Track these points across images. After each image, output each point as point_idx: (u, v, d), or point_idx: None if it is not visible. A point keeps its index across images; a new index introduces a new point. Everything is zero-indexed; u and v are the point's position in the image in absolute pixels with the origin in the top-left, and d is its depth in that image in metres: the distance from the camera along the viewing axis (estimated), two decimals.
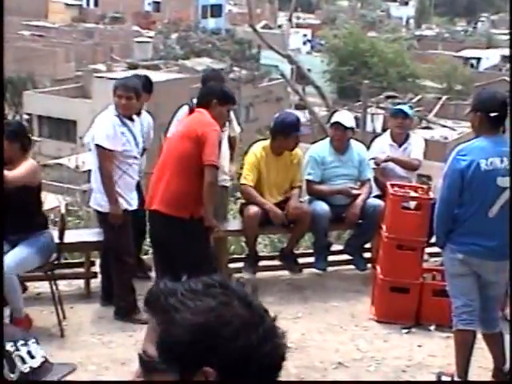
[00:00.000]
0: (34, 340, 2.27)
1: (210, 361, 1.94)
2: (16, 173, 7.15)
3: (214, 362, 1.94)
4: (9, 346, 2.20)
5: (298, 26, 72.52)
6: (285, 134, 8.67)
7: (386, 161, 9.05)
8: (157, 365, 1.97)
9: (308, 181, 8.97)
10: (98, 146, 7.74)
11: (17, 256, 7.34)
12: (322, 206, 8.80)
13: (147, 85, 8.79)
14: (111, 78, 34.25)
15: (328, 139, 9.14)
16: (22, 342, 2.25)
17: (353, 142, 9.19)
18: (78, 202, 14.02)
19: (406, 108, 9.44)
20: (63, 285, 8.54)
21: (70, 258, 9.05)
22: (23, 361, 2.19)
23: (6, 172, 7.05)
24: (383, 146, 9.30)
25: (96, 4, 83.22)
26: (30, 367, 2.19)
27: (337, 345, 7.52)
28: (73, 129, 42.85)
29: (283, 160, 8.74)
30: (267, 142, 8.84)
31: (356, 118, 32.64)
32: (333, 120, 9.11)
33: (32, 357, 2.16)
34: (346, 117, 9.20)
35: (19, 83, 47.57)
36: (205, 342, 1.94)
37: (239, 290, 2.04)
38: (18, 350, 2.22)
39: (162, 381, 1.94)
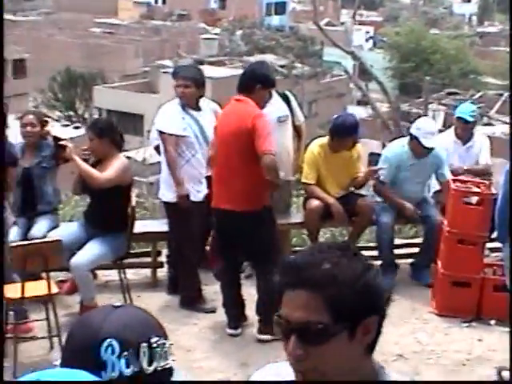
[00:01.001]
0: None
1: (371, 312, 2.17)
2: (107, 175, 7.32)
3: (374, 312, 2.18)
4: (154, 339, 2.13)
5: (361, 23, 72.10)
6: (342, 136, 8.60)
7: (461, 174, 8.89)
8: (331, 329, 2.11)
9: (378, 179, 8.86)
10: (159, 131, 7.83)
11: (90, 253, 7.48)
12: (387, 219, 8.78)
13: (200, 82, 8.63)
14: None
15: (406, 142, 8.84)
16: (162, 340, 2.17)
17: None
18: (144, 194, 14.12)
19: (467, 115, 9.25)
20: (131, 273, 8.61)
21: (137, 247, 9.10)
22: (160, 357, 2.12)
23: (98, 174, 7.26)
24: (447, 143, 9.19)
25: (164, 2, 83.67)
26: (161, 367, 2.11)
27: (397, 337, 7.46)
28: (140, 122, 43.14)
29: (342, 156, 8.68)
30: (325, 140, 8.75)
31: (417, 115, 32.48)
32: (417, 135, 8.59)
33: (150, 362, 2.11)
34: (432, 139, 8.72)
35: (90, 78, 48.10)
36: (367, 297, 2.14)
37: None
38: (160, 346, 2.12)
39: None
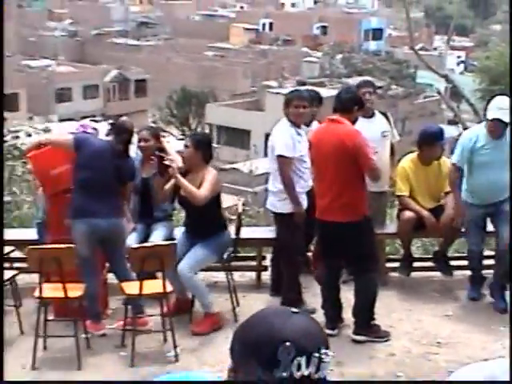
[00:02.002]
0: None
1: None
2: (206, 193, 7.23)
3: None
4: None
5: (453, 48, 71.31)
6: (429, 142, 8.50)
7: None
8: None
9: (453, 164, 8.26)
10: (279, 156, 7.74)
11: (193, 258, 7.46)
12: (476, 240, 8.34)
13: (317, 99, 8.74)
14: (282, 94, 34.48)
15: (483, 125, 8.13)
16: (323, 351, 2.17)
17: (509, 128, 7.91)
18: (248, 203, 14.14)
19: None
20: (237, 275, 8.62)
21: (242, 251, 9.11)
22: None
23: (198, 193, 7.18)
24: None
25: (270, 28, 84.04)
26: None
27: (483, 343, 7.29)
28: (247, 137, 43.42)
29: (432, 169, 8.53)
30: (414, 155, 8.66)
31: None
32: (492, 115, 7.76)
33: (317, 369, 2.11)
34: (505, 112, 7.75)
35: (202, 97, 48.57)
36: None
37: None
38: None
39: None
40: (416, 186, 8.61)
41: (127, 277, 7.32)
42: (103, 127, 8.21)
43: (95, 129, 8.31)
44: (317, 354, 2.05)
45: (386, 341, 7.44)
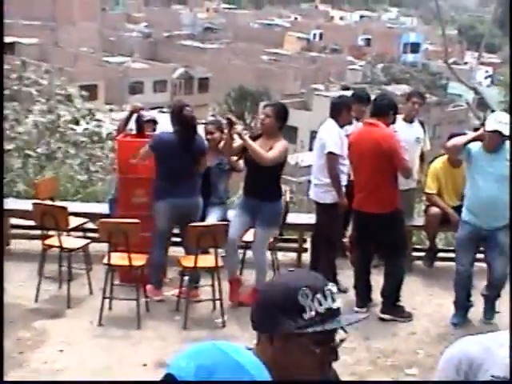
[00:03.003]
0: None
1: None
2: (273, 156, 6.95)
3: None
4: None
5: (482, 63, 70.44)
6: None
7: None
8: None
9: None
10: (330, 152, 7.71)
11: (260, 239, 7.34)
12: (465, 261, 7.21)
13: (366, 99, 8.58)
14: (327, 96, 34.37)
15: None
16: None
17: (507, 143, 6.89)
18: (293, 191, 14.13)
19: None
20: (280, 255, 8.60)
21: (286, 234, 9.09)
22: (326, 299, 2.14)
23: (266, 154, 6.89)
24: None
25: (320, 38, 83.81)
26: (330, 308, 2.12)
27: (495, 328, 7.20)
28: (294, 134, 43.24)
29: (459, 171, 8.34)
30: (445, 157, 8.57)
31: None
32: (491, 127, 6.74)
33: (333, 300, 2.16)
34: (490, 120, 6.92)
35: (257, 95, 48.50)
36: None
37: None
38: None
39: None
40: (444, 185, 8.56)
41: (194, 251, 7.33)
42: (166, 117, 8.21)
43: (153, 119, 8.37)
44: (328, 287, 2.11)
45: (409, 321, 7.40)
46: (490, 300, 7.35)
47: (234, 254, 7.51)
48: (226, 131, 7.19)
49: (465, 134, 8.65)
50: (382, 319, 7.40)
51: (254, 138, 7.15)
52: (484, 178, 6.90)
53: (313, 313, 2.06)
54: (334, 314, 2.09)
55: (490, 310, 7.41)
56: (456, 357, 2.46)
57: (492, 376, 2.36)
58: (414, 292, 8.11)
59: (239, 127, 6.94)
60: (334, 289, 2.14)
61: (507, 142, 6.80)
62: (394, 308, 7.49)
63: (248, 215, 7.34)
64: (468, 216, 7.10)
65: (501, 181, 6.80)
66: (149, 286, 7.40)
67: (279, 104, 7.23)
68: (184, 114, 7.40)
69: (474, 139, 6.97)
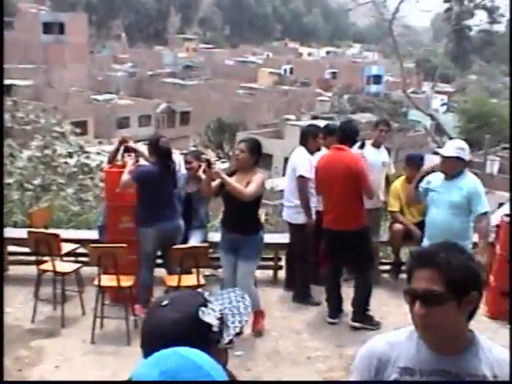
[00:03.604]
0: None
1: (473, 288, 2.35)
2: (252, 191, 6.54)
3: (477, 288, 2.36)
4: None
5: (438, 92, 71.08)
6: (410, 164, 8.50)
7: None
8: (445, 296, 2.30)
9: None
10: (300, 176, 7.75)
11: (244, 275, 6.87)
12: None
13: (332, 131, 8.30)
14: (298, 125, 34.49)
15: None
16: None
17: (468, 174, 6.62)
18: (270, 214, 14.13)
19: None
20: (258, 272, 8.55)
21: (263, 253, 9.07)
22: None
23: (244, 190, 6.50)
24: None
25: (291, 72, 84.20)
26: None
27: None
28: (269, 161, 43.25)
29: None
30: (404, 177, 8.67)
31: (478, 163, 31.76)
32: (447, 153, 6.50)
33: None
34: (447, 147, 6.62)
35: (234, 127, 48.61)
36: (471, 277, 2.35)
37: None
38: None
39: None
40: (404, 203, 8.58)
41: (175, 271, 7.30)
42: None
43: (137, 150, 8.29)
44: (206, 295, 2.14)
45: (378, 329, 7.40)
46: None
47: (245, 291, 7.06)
48: (203, 167, 6.73)
49: (421, 155, 8.76)
50: (354, 327, 7.41)
51: (231, 174, 6.79)
52: (439, 205, 6.59)
53: (217, 322, 2.08)
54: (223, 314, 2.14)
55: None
56: (366, 356, 2.57)
57: (398, 367, 2.43)
58: (381, 303, 8.11)
59: (217, 167, 6.61)
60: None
61: (467, 173, 6.60)
62: (363, 317, 7.49)
63: (231, 253, 6.94)
64: (425, 241, 6.81)
65: (454, 208, 6.51)
66: (137, 306, 7.35)
67: (252, 139, 6.95)
68: (160, 145, 7.44)
69: (421, 178, 6.89)
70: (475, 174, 7.99)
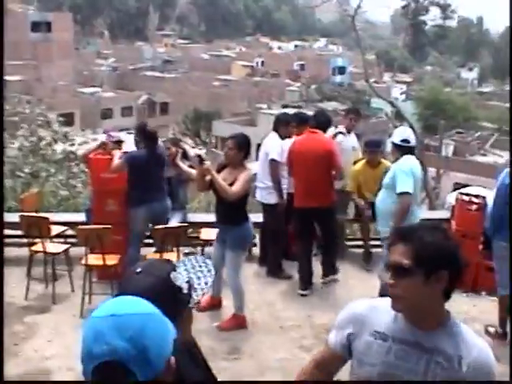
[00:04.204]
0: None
1: (443, 267, 2.28)
2: (237, 191, 6.19)
3: (448, 268, 2.29)
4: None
5: (397, 81, 71.31)
6: (369, 148, 8.47)
7: None
8: (413, 269, 2.27)
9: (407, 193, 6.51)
10: (272, 160, 7.74)
11: (233, 264, 6.52)
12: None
13: (305, 120, 8.28)
14: (270, 114, 34.47)
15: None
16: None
17: (406, 158, 6.42)
18: None
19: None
20: None
21: None
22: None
23: (230, 190, 6.16)
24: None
25: (262, 65, 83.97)
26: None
27: None
28: None
29: (378, 170, 8.21)
30: (364, 160, 8.58)
31: (434, 146, 31.93)
32: (397, 139, 6.53)
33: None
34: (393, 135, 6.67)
35: (210, 116, 48.46)
36: (442, 255, 2.29)
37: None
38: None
39: None
40: (363, 184, 8.55)
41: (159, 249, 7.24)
42: (131, 138, 8.18)
43: (119, 139, 8.22)
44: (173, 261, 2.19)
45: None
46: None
47: (232, 285, 6.64)
48: (196, 165, 6.48)
49: (379, 140, 8.74)
50: (325, 282, 7.74)
51: (221, 169, 6.45)
52: (381, 187, 6.78)
53: (186, 285, 2.11)
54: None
55: None
56: (346, 314, 2.56)
57: (374, 331, 2.42)
58: (348, 276, 8.15)
59: (208, 163, 6.20)
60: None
61: (407, 157, 6.38)
62: (332, 270, 7.78)
63: (220, 243, 6.60)
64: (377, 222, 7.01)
65: (386, 190, 6.57)
66: None
67: (240, 135, 6.48)
68: (148, 130, 7.50)
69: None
70: (432, 156, 8.03)
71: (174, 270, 2.10)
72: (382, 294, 6.83)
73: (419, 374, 2.33)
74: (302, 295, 7.57)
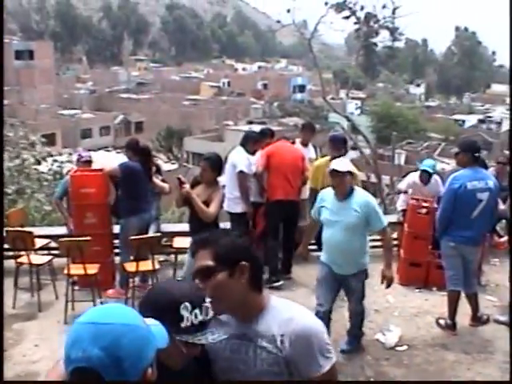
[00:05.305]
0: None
1: (242, 260, 2.26)
2: (213, 211, 6.04)
3: (246, 259, 2.27)
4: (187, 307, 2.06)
5: (352, 98, 71.95)
6: (333, 145, 7.73)
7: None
8: (214, 269, 2.24)
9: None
10: (240, 171, 7.71)
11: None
12: (323, 300, 5.65)
13: (272, 134, 8.61)
14: (236, 130, 34.50)
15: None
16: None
17: (358, 191, 5.50)
18: None
19: (429, 168, 8.43)
20: None
21: None
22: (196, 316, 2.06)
23: (207, 210, 6.00)
24: (413, 181, 8.67)
25: (229, 85, 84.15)
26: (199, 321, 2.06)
27: (374, 298, 7.27)
28: None
29: None
30: (328, 158, 7.91)
31: (388, 156, 32.19)
32: (329, 168, 5.57)
33: (207, 314, 2.08)
34: (340, 163, 5.50)
35: (182, 133, 48.36)
36: (240, 249, 2.29)
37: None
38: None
39: None
40: (326, 182, 8.35)
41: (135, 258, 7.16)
42: (113, 156, 8.11)
43: (88, 159, 8.07)
44: (205, 304, 2.07)
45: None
46: (353, 334, 6.09)
47: None
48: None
49: (344, 137, 8.17)
50: (289, 278, 7.93)
51: (195, 184, 6.32)
52: (334, 226, 5.39)
53: (188, 323, 2.01)
54: (205, 325, 2.05)
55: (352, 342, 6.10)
56: None
57: (226, 337, 2.31)
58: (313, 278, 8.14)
59: (187, 186, 6.12)
60: (208, 304, 2.08)
61: (357, 190, 5.48)
62: (285, 270, 8.01)
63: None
64: (324, 257, 5.66)
65: (350, 230, 5.34)
66: (112, 290, 7.29)
67: (213, 157, 6.27)
68: (141, 146, 7.50)
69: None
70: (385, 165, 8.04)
71: (194, 305, 2.03)
72: None
73: (251, 363, 2.28)
74: (275, 287, 7.50)
